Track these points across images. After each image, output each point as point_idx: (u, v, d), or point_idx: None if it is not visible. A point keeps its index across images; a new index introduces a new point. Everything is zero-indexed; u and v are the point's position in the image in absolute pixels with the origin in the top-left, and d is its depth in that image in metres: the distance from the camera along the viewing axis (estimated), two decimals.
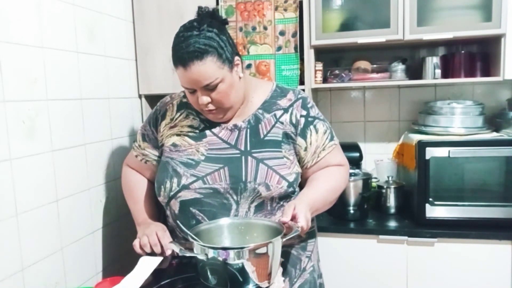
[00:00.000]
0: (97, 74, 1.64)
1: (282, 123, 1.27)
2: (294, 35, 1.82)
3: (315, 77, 1.91)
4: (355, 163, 1.89)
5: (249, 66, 1.87)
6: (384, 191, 1.93)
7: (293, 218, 1.07)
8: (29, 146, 1.29)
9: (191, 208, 1.23)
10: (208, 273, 1.00)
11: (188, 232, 1.05)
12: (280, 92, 1.33)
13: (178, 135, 1.31)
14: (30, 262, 1.29)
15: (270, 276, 1.02)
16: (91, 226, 1.60)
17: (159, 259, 1.19)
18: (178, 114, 1.34)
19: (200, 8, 1.20)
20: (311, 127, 1.29)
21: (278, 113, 1.28)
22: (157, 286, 1.08)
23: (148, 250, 1.22)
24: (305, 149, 1.28)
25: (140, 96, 1.97)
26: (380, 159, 2.14)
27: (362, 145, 2.07)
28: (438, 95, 2.14)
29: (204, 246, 0.99)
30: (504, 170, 1.75)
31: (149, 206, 1.41)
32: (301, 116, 1.28)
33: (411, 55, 2.12)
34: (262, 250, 0.98)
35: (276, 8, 1.83)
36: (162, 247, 1.22)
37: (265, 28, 1.84)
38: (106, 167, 1.69)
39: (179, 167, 1.25)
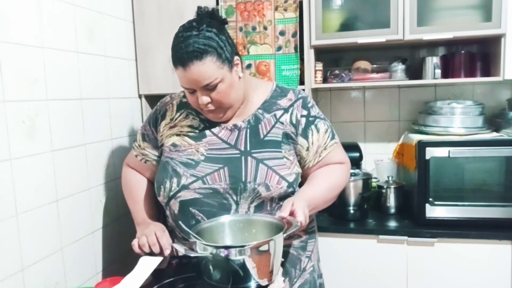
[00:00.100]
0: (97, 74, 1.64)
1: (282, 123, 1.27)
2: (294, 35, 1.82)
3: (315, 77, 1.91)
4: (355, 163, 1.89)
5: (249, 66, 1.87)
6: (384, 191, 1.93)
7: (291, 214, 1.08)
8: (29, 146, 1.29)
9: (190, 208, 1.23)
10: (211, 271, 1.01)
11: (190, 232, 1.06)
12: (280, 92, 1.33)
13: (178, 135, 1.31)
14: (30, 262, 1.29)
15: (272, 273, 1.03)
16: (91, 226, 1.60)
17: (159, 259, 1.19)
18: (178, 114, 1.34)
19: (199, 8, 1.20)
20: (312, 126, 1.29)
21: (278, 113, 1.28)
22: (157, 286, 1.08)
23: (147, 250, 1.22)
24: (307, 149, 1.28)
25: (140, 96, 1.97)
26: (380, 159, 2.13)
27: (362, 145, 2.07)
28: (438, 95, 2.14)
29: (206, 245, 1.00)
30: (504, 170, 1.75)
31: (149, 206, 1.41)
32: (301, 116, 1.28)
33: (411, 55, 2.12)
34: (264, 247, 0.98)
35: (276, 8, 1.83)
36: (161, 247, 1.22)
37: (265, 28, 1.84)
38: (106, 167, 1.69)
39: (178, 167, 1.25)
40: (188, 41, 1.12)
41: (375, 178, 2.08)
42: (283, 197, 1.22)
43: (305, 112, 1.29)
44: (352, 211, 1.85)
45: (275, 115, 1.28)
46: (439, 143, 1.71)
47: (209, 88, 1.16)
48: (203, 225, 1.13)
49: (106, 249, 1.68)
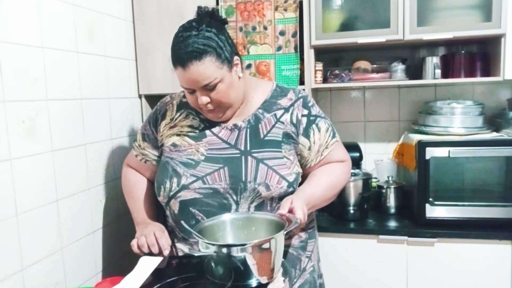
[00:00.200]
0: (97, 74, 1.64)
1: (282, 123, 1.27)
2: (294, 35, 1.82)
3: (315, 77, 1.91)
4: (355, 163, 1.88)
5: (249, 66, 1.87)
6: (384, 191, 1.93)
7: (290, 211, 1.09)
8: (29, 146, 1.29)
9: (190, 208, 1.23)
10: (213, 269, 1.02)
11: (192, 231, 1.06)
12: (281, 92, 1.33)
13: (178, 135, 1.31)
14: (30, 262, 1.29)
15: (273, 271, 1.04)
16: (91, 226, 1.60)
17: (159, 259, 1.19)
18: (178, 114, 1.34)
19: (199, 8, 1.20)
20: (314, 126, 1.29)
21: (279, 112, 1.28)
22: (157, 286, 1.08)
23: (146, 250, 1.22)
24: (309, 148, 1.28)
25: (140, 96, 1.97)
26: (380, 159, 2.14)
27: (362, 145, 2.07)
28: (438, 95, 2.14)
29: (208, 243, 1.01)
30: (504, 170, 1.75)
31: (149, 206, 1.41)
32: (302, 115, 1.28)
33: (411, 55, 2.12)
34: (265, 245, 1.00)
35: (276, 8, 1.83)
36: (160, 247, 1.22)
37: (265, 28, 1.84)
38: (106, 167, 1.69)
39: (179, 167, 1.25)
40: (187, 41, 1.12)
41: (375, 178, 2.08)
42: (283, 196, 1.21)
43: (305, 112, 1.29)
44: (352, 211, 1.85)
45: (275, 115, 1.28)
46: (439, 143, 1.71)
47: (208, 88, 1.16)
48: (205, 223, 1.14)
49: (106, 249, 1.68)
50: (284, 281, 1.12)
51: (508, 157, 1.71)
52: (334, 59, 2.18)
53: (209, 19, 1.17)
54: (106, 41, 1.70)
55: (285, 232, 1.04)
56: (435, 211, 1.73)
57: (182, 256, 1.30)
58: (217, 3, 1.88)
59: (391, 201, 1.92)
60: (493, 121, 1.93)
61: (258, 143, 1.25)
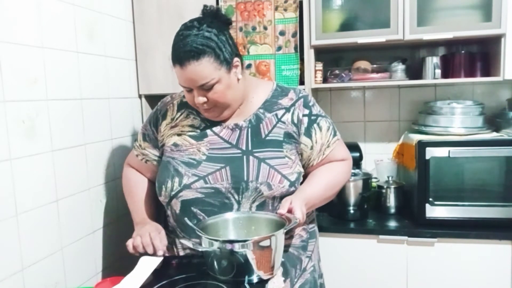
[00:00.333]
0: (97, 74, 1.64)
1: (284, 122, 1.27)
2: (294, 35, 1.82)
3: (315, 77, 1.91)
4: (355, 163, 1.87)
5: (249, 66, 1.87)
6: (384, 191, 1.93)
7: (289, 211, 1.11)
8: (29, 146, 1.29)
9: (192, 208, 1.23)
10: (215, 266, 1.04)
11: (195, 227, 1.08)
12: (281, 92, 1.33)
13: (179, 135, 1.31)
14: (30, 262, 1.29)
15: (273, 268, 1.06)
16: (91, 226, 1.60)
17: (159, 259, 1.18)
18: (179, 114, 1.34)
19: (205, 6, 1.20)
20: (315, 125, 1.29)
21: (280, 112, 1.29)
22: (157, 286, 1.08)
23: (141, 250, 1.21)
24: (311, 148, 1.29)
25: (140, 96, 1.97)
26: (380, 159, 2.13)
27: (362, 145, 2.07)
28: (438, 95, 2.14)
29: (210, 239, 1.03)
30: (504, 170, 1.75)
31: (149, 206, 1.41)
32: (303, 115, 1.29)
33: (411, 55, 2.12)
34: (266, 242, 1.02)
35: (276, 8, 1.83)
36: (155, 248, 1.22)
37: (265, 28, 1.84)
38: (106, 167, 1.69)
39: (180, 166, 1.25)
40: (186, 40, 1.13)
41: (375, 178, 2.08)
42: (285, 196, 1.22)
43: (306, 111, 1.29)
44: (352, 211, 1.85)
45: (276, 115, 1.28)
46: (439, 143, 1.71)
47: (205, 88, 1.16)
48: (207, 221, 1.16)
49: (106, 249, 1.68)
50: (284, 281, 1.13)
51: (508, 157, 1.70)
52: (334, 59, 2.18)
53: (211, 19, 1.17)
54: (106, 41, 1.70)
55: (285, 231, 1.06)
56: (435, 211, 1.73)
57: (182, 256, 1.30)
58: (217, 3, 1.88)
59: (391, 201, 1.92)
60: (493, 121, 1.93)
61: (259, 143, 1.25)
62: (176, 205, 1.26)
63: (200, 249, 1.05)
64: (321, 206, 1.35)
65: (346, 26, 1.86)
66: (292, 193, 1.23)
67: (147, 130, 1.39)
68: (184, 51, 1.12)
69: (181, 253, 1.31)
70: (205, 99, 1.18)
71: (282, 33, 1.83)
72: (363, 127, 2.25)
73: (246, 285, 1.02)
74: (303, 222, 1.14)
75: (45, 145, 1.36)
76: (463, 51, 1.94)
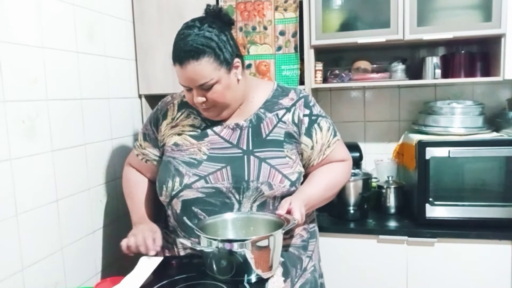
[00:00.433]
0: (97, 74, 1.64)
1: (284, 122, 1.27)
2: (294, 35, 1.82)
3: (315, 77, 1.91)
4: (355, 163, 1.87)
5: (249, 66, 1.87)
6: (384, 191, 1.93)
7: (288, 212, 1.11)
8: (29, 146, 1.29)
9: (193, 207, 1.23)
10: (214, 265, 1.04)
11: (194, 227, 1.08)
12: (282, 92, 1.33)
13: (179, 134, 1.31)
14: (30, 262, 1.28)
15: (271, 268, 1.06)
16: (91, 226, 1.60)
17: (159, 259, 1.19)
18: (179, 113, 1.34)
19: (208, 6, 1.20)
20: (315, 125, 1.29)
21: (281, 112, 1.29)
22: (157, 286, 1.08)
23: (134, 250, 1.21)
24: (312, 148, 1.29)
25: (140, 96, 1.96)
26: (380, 159, 2.13)
27: (362, 145, 2.07)
28: (438, 95, 2.14)
29: (209, 238, 1.03)
30: (504, 170, 1.75)
31: (148, 206, 1.41)
32: (304, 115, 1.29)
33: (411, 55, 2.12)
34: (264, 242, 1.02)
35: (276, 8, 1.83)
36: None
37: (265, 28, 1.84)
38: (106, 167, 1.69)
39: (181, 166, 1.25)
40: (187, 40, 1.13)
41: (375, 178, 2.08)
42: (286, 196, 1.22)
43: (307, 111, 1.30)
44: (352, 211, 1.85)
45: (277, 115, 1.28)
46: (439, 143, 1.71)
47: (205, 88, 1.16)
48: (206, 221, 1.16)
49: (106, 249, 1.68)
50: (285, 281, 1.13)
51: (508, 157, 1.70)
52: (334, 59, 2.18)
53: (213, 19, 1.17)
54: (106, 41, 1.70)
55: (284, 231, 1.06)
56: (435, 211, 1.73)
57: (182, 256, 1.30)
58: (217, 3, 1.88)
59: (391, 201, 1.92)
60: (493, 121, 1.93)
61: (260, 143, 1.25)
62: (177, 205, 1.26)
63: (198, 248, 1.05)
64: (321, 206, 1.35)
65: (346, 26, 1.86)
66: (293, 193, 1.23)
67: (147, 130, 1.39)
68: (184, 50, 1.13)
69: (182, 253, 1.31)
70: (204, 99, 1.18)
71: (282, 33, 1.83)
72: (363, 127, 2.25)
73: (246, 284, 1.03)
74: (302, 223, 1.14)
75: (45, 145, 1.36)
76: (463, 51, 1.94)
